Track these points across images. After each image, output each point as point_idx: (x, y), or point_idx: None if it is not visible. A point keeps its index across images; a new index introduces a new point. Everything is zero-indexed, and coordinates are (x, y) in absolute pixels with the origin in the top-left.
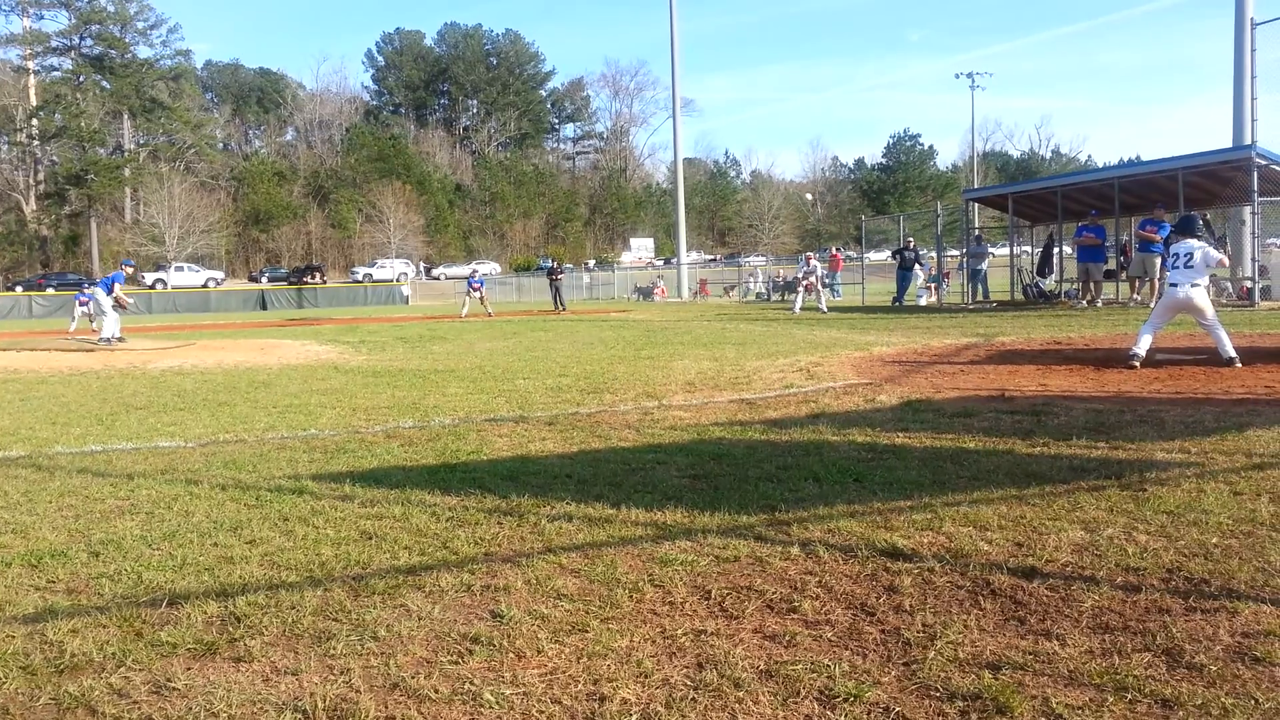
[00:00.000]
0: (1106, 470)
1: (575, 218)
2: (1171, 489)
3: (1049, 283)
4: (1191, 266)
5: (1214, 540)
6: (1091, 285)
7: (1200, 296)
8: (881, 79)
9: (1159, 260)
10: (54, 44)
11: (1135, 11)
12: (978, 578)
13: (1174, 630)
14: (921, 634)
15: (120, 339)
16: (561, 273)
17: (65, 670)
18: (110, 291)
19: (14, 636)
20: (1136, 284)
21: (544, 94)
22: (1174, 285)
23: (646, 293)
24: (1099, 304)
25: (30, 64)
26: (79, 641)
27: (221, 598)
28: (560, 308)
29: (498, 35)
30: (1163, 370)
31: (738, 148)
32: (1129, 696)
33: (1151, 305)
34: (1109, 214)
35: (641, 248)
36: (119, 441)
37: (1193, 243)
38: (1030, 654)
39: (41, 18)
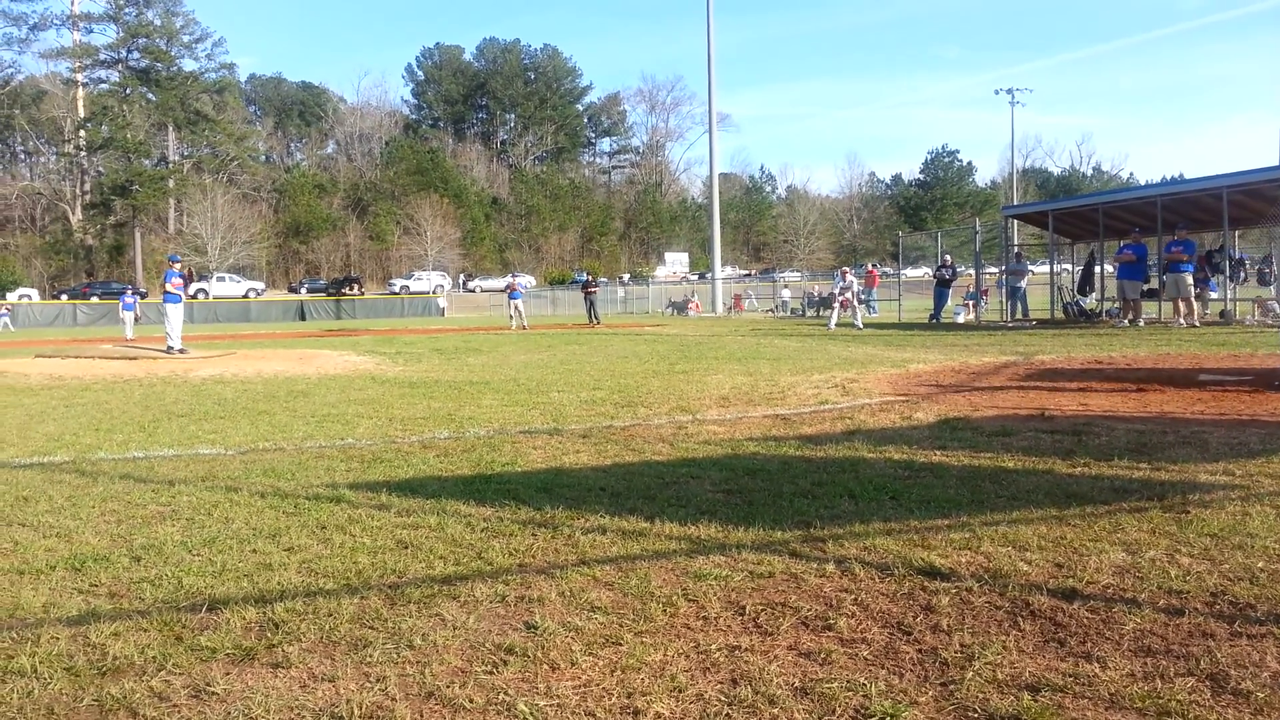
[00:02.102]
0: (1148, 491)
1: (610, 231)
2: (1215, 511)
3: (1090, 301)
4: None
5: (1260, 564)
6: (1130, 304)
7: None
8: (918, 94)
9: (1190, 279)
10: (102, 57)
11: (1175, 29)
12: (1017, 598)
13: (1219, 655)
14: (959, 654)
15: (181, 350)
16: (596, 286)
17: (107, 672)
18: (180, 293)
19: (58, 638)
20: (1180, 306)
21: (581, 108)
22: None
23: (681, 307)
24: (1140, 323)
25: (79, 76)
26: (121, 644)
27: (260, 604)
28: (595, 321)
29: (536, 50)
30: (1207, 391)
31: (773, 163)
32: None
33: (1184, 324)
34: (1152, 232)
35: (676, 262)
36: (160, 448)
37: None
38: (1070, 676)
39: (90, 31)
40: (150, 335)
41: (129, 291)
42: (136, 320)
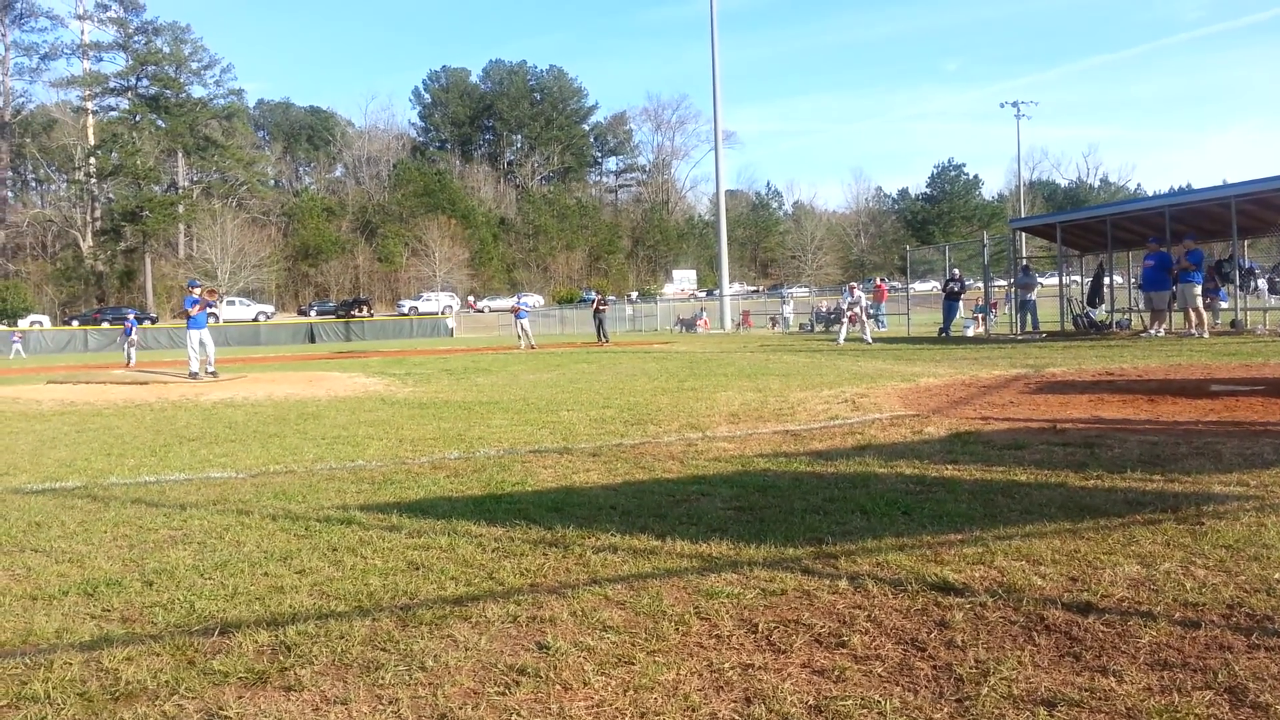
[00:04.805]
0: (1162, 503)
1: (618, 250)
2: (1230, 522)
3: (1100, 313)
4: None
5: (1276, 575)
6: (1158, 314)
7: None
8: (923, 107)
9: (1198, 290)
10: (112, 85)
11: (1181, 38)
12: (1031, 613)
13: (1236, 668)
14: (974, 670)
15: (212, 373)
16: (605, 305)
17: (120, 697)
18: (201, 322)
19: (71, 664)
20: (1191, 316)
21: (587, 128)
22: None
23: (689, 324)
24: (1161, 332)
25: (89, 104)
26: (133, 669)
27: (272, 627)
28: (603, 340)
29: (542, 71)
30: (1219, 401)
31: (780, 179)
32: None
33: (1196, 334)
34: (1162, 243)
35: (684, 279)
36: (172, 472)
37: None
38: (1086, 691)
39: (100, 60)
40: (158, 361)
41: (129, 317)
42: (134, 346)
